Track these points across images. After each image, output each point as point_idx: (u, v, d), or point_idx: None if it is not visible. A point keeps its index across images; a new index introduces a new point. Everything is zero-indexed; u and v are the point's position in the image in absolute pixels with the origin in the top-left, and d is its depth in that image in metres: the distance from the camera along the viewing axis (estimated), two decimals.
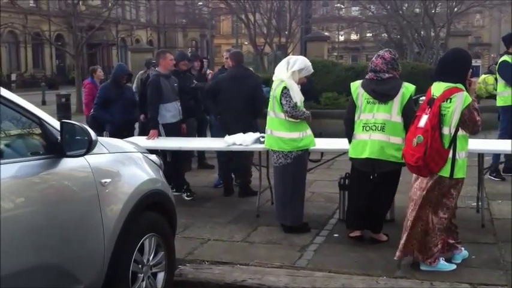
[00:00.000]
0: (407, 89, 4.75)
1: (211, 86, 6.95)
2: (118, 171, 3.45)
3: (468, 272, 4.28)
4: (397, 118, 4.74)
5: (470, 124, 4.16)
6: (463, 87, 4.17)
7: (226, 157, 6.88)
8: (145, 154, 4.03)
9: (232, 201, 6.68)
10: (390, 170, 4.80)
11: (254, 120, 7.08)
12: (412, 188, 4.36)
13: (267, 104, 5.66)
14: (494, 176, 7.32)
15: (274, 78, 5.45)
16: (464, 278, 4.13)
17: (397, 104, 4.73)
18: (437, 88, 4.25)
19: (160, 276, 3.71)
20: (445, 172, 4.15)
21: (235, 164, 6.89)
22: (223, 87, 6.71)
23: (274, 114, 5.37)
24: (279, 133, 5.33)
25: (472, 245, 4.75)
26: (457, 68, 4.27)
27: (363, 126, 4.88)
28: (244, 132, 6.16)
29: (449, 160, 4.13)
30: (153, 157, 4.16)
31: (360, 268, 4.40)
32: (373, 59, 5.01)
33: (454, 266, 4.38)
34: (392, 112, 4.74)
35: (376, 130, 4.80)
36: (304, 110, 5.30)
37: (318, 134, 6.80)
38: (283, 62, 5.42)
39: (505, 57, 7.42)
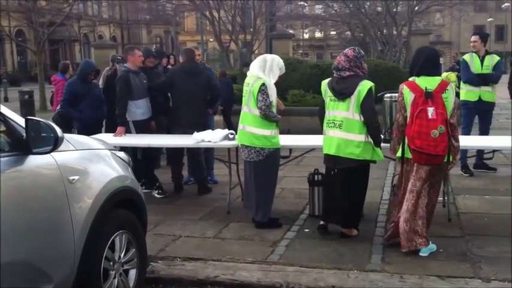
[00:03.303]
0: (363, 86, 4.77)
1: (164, 80, 6.92)
2: (86, 168, 3.40)
3: (436, 264, 4.36)
4: (356, 116, 4.79)
5: (455, 113, 4.51)
6: None
7: (176, 155, 6.93)
8: (113, 151, 3.98)
9: (202, 198, 6.65)
10: (350, 167, 4.84)
11: (210, 117, 7.20)
12: (411, 180, 4.54)
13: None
14: (464, 171, 7.50)
15: (249, 74, 5.43)
16: (433, 271, 4.19)
17: (353, 101, 4.78)
18: (427, 82, 4.45)
19: (132, 273, 3.68)
20: (447, 158, 4.44)
21: (189, 161, 6.97)
22: (177, 82, 6.70)
23: (248, 109, 5.34)
24: (251, 128, 5.31)
25: (439, 238, 4.83)
26: (438, 63, 4.71)
27: (327, 123, 4.98)
28: (197, 126, 6.25)
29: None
30: (121, 154, 4.12)
31: (330, 262, 4.42)
32: (338, 56, 5.08)
33: (434, 247, 4.60)
34: (350, 110, 4.80)
35: (334, 127, 4.88)
36: (276, 114, 5.31)
37: (286, 131, 6.86)
38: (260, 60, 5.42)
39: (466, 55, 7.72)
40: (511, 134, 5.79)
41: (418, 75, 4.55)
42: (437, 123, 4.28)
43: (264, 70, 5.30)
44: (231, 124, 10.56)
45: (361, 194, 5.11)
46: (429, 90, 4.37)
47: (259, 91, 5.20)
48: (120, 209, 3.61)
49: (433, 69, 4.56)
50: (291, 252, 4.71)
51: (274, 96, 5.28)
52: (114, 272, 3.44)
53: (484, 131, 7.65)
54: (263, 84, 5.21)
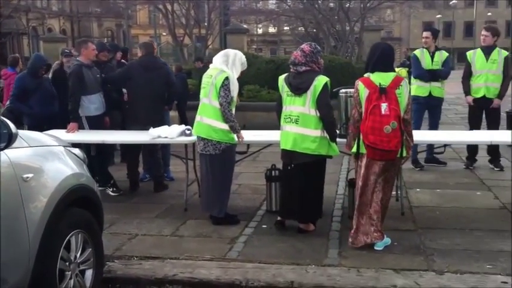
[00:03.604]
0: (319, 81, 4.82)
1: (121, 73, 6.79)
2: (40, 166, 3.32)
3: (391, 258, 4.44)
4: (312, 111, 4.83)
5: (409, 108, 4.59)
6: None
7: (134, 151, 6.83)
8: (68, 148, 3.89)
9: (159, 195, 6.57)
10: (306, 162, 4.88)
11: (166, 113, 7.12)
12: (365, 176, 4.59)
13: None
14: (415, 166, 7.68)
15: (212, 67, 5.38)
16: (388, 264, 4.28)
17: (310, 96, 4.82)
18: (382, 78, 4.51)
19: (89, 273, 3.61)
20: (399, 153, 4.51)
21: (145, 158, 6.88)
22: (134, 75, 6.59)
23: (209, 101, 5.27)
24: (210, 121, 5.24)
25: (393, 232, 4.93)
26: (392, 60, 4.73)
27: (284, 118, 5.00)
28: (154, 122, 6.15)
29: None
30: (76, 151, 4.02)
31: (288, 258, 4.45)
32: (295, 51, 5.10)
33: (389, 241, 4.70)
34: (306, 105, 4.84)
35: (291, 122, 4.91)
36: (233, 118, 5.25)
37: (241, 126, 6.85)
38: (222, 54, 5.38)
39: (416, 51, 7.87)
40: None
41: (372, 71, 4.61)
42: (390, 118, 4.35)
43: (227, 64, 5.27)
44: (185, 119, 10.49)
45: (319, 189, 5.14)
46: (383, 86, 4.44)
47: (222, 85, 5.17)
48: (75, 208, 3.54)
49: (387, 65, 4.62)
50: (249, 249, 4.72)
51: (235, 92, 5.26)
52: (70, 272, 3.37)
53: (434, 125, 7.86)
54: (226, 78, 5.18)
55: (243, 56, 5.43)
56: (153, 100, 6.54)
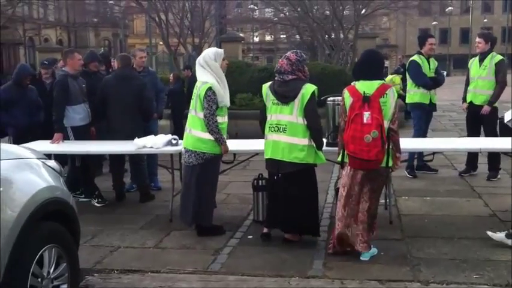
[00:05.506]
0: (307, 90, 4.74)
1: (101, 88, 6.65)
2: (11, 179, 3.22)
3: (377, 268, 4.36)
4: (299, 119, 4.76)
5: (396, 117, 4.50)
6: None
7: (117, 162, 6.72)
8: (43, 160, 3.80)
9: (144, 206, 6.47)
10: (294, 171, 4.79)
11: (154, 122, 7.00)
12: (348, 185, 4.53)
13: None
14: (409, 172, 7.59)
15: (198, 79, 5.27)
16: (373, 275, 4.19)
17: (297, 105, 4.74)
18: (367, 86, 4.44)
19: None
20: (385, 162, 4.42)
21: (131, 168, 6.79)
22: (109, 89, 6.51)
23: (195, 113, 5.18)
24: (197, 132, 5.15)
25: (380, 241, 4.84)
26: (379, 67, 4.67)
27: (269, 127, 4.91)
28: (130, 134, 6.05)
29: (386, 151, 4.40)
30: (52, 163, 3.93)
31: (272, 269, 4.37)
32: (280, 60, 5.03)
33: (375, 251, 4.62)
34: (294, 113, 4.76)
35: (278, 131, 4.83)
36: (222, 134, 5.13)
37: (233, 135, 6.79)
38: (197, 66, 5.26)
39: (415, 57, 7.69)
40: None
41: (357, 79, 4.56)
42: (372, 127, 4.25)
43: (207, 72, 5.16)
44: (181, 129, 10.39)
45: (307, 200, 4.92)
46: (367, 95, 4.36)
47: (205, 96, 5.07)
48: (49, 222, 3.45)
49: (372, 73, 4.52)
50: (233, 260, 4.62)
51: (226, 97, 5.17)
52: None
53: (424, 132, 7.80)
54: (209, 89, 5.07)
55: (211, 50, 5.32)
56: (127, 112, 6.42)
